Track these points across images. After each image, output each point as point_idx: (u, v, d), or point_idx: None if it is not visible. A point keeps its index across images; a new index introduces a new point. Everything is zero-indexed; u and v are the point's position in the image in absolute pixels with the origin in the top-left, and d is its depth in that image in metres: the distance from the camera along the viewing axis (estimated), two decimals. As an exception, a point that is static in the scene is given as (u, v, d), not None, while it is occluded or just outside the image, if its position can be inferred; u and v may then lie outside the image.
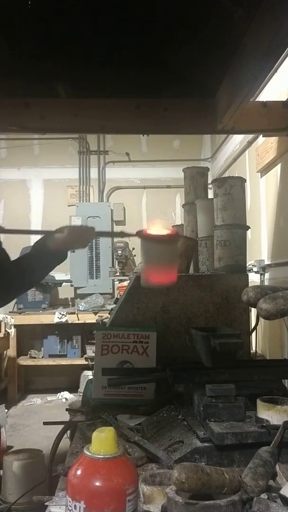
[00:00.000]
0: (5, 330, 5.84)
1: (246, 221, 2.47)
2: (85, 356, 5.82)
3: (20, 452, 3.38)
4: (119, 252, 6.15)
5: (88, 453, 0.95)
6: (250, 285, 1.83)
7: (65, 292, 6.70)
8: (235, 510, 0.97)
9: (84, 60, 2.43)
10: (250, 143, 4.36)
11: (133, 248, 6.29)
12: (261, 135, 3.62)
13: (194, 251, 2.74)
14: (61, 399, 5.94)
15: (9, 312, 5.97)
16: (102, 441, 0.95)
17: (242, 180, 2.47)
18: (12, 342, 6.00)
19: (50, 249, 1.78)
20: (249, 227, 2.49)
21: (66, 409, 2.29)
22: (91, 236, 1.84)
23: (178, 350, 2.15)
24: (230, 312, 2.23)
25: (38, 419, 5.00)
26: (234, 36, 2.10)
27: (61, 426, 1.86)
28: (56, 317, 5.85)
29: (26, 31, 2.20)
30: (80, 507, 0.90)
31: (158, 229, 1.57)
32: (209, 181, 3.02)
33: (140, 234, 1.55)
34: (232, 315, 2.23)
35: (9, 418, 4.74)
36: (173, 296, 2.21)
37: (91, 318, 5.70)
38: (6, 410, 4.18)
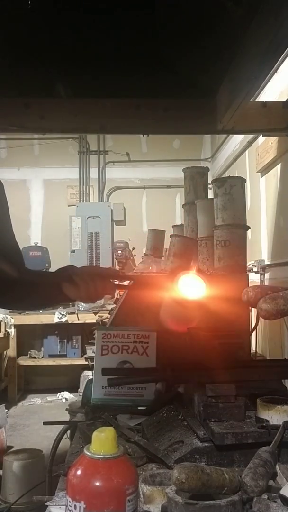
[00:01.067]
0: (5, 330, 5.84)
1: (246, 221, 2.46)
2: (85, 356, 5.81)
3: (20, 452, 3.38)
4: (119, 252, 6.15)
5: (88, 453, 0.94)
6: (250, 285, 1.83)
7: (65, 292, 6.69)
8: (235, 510, 0.97)
9: (84, 60, 2.43)
10: (250, 143, 4.36)
11: (133, 248, 6.29)
12: (261, 135, 3.62)
13: (194, 251, 2.74)
14: (61, 399, 5.94)
15: (9, 312, 5.96)
16: (102, 441, 0.95)
17: (242, 180, 2.46)
18: (12, 342, 6.00)
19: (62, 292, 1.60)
20: (249, 227, 2.49)
21: (66, 409, 2.29)
22: (109, 291, 1.62)
23: (178, 350, 2.14)
24: (230, 312, 2.22)
25: (38, 419, 5.00)
26: (234, 36, 2.10)
27: (61, 426, 1.86)
28: (56, 317, 5.85)
29: (26, 31, 2.20)
30: (80, 507, 0.90)
31: (190, 285, 1.50)
32: (209, 181, 3.02)
33: (171, 287, 1.48)
34: (232, 315, 2.22)
35: (9, 418, 4.74)
36: (173, 296, 2.20)
37: (91, 318, 5.70)
38: (6, 410, 4.18)
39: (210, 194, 2.97)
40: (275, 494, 1.05)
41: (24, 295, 1.65)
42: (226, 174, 5.29)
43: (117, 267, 6.23)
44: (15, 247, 1.71)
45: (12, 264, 1.45)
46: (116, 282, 1.65)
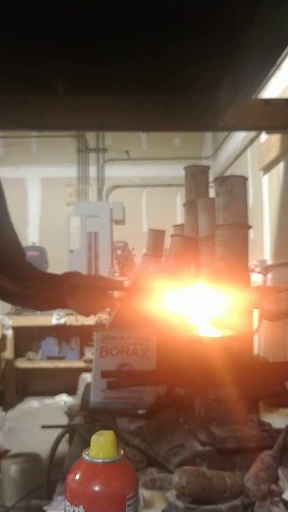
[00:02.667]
0: (2, 332, 5.82)
1: (248, 221, 2.43)
2: (84, 358, 5.80)
3: (18, 455, 3.37)
4: (119, 252, 6.13)
5: (87, 457, 0.92)
6: (252, 285, 1.81)
7: (64, 292, 6.67)
8: (237, 515, 0.96)
9: (83, 56, 2.42)
10: (252, 141, 4.33)
11: (133, 248, 6.26)
12: (263, 133, 3.60)
13: (194, 251, 2.71)
14: (59, 401, 5.92)
15: (7, 313, 5.94)
16: (101, 445, 0.93)
17: (244, 179, 2.44)
18: (10, 344, 5.98)
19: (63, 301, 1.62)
20: (251, 227, 2.46)
21: (65, 412, 2.27)
22: (110, 304, 1.63)
23: (179, 352, 2.11)
24: (232, 313, 2.20)
25: (36, 422, 4.96)
26: (236, 32, 2.09)
27: (60, 430, 1.84)
28: (54, 318, 5.83)
29: (25, 27, 2.18)
30: (79, 511, 0.88)
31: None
32: (210, 180, 2.99)
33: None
34: (234, 316, 2.20)
35: (6, 421, 4.73)
36: (173, 296, 2.17)
37: (90, 320, 5.66)
38: (3, 413, 4.16)
39: (211, 193, 2.94)
40: (277, 499, 1.04)
41: (25, 295, 1.63)
42: (228, 173, 5.27)
43: (116, 267, 6.20)
44: (15, 238, 1.70)
45: (13, 280, 1.44)
46: (117, 294, 1.63)
